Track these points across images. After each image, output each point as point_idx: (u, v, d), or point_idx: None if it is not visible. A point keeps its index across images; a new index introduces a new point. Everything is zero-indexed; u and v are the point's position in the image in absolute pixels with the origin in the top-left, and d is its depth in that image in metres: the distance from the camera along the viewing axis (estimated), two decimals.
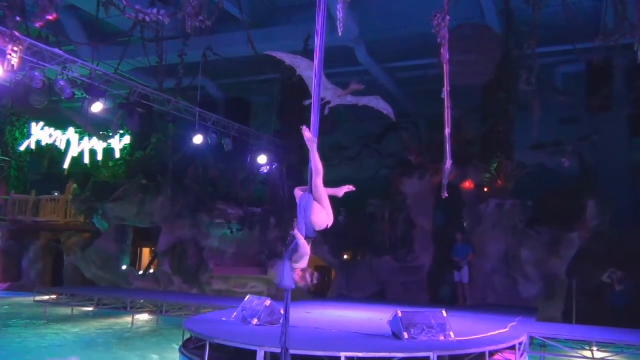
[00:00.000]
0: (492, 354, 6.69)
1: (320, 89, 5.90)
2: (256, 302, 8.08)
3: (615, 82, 14.52)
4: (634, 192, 14.44)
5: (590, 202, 12.66)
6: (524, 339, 7.65)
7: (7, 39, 9.08)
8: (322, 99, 7.54)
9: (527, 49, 13.42)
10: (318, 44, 5.60)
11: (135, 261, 18.58)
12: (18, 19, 9.63)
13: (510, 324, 8.25)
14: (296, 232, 5.06)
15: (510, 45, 14.11)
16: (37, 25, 10.20)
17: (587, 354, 8.17)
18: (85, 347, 8.94)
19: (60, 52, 10.96)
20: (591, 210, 12.64)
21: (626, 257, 11.86)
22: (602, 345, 8.26)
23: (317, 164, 5.20)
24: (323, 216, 5.14)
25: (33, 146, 19.87)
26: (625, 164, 14.94)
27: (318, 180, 5.18)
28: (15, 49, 9.24)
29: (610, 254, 12.15)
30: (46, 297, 13.61)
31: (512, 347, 7.13)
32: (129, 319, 11.74)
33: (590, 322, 10.21)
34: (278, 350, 5.99)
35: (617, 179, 14.09)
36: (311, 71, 8.93)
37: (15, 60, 9.27)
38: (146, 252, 19.48)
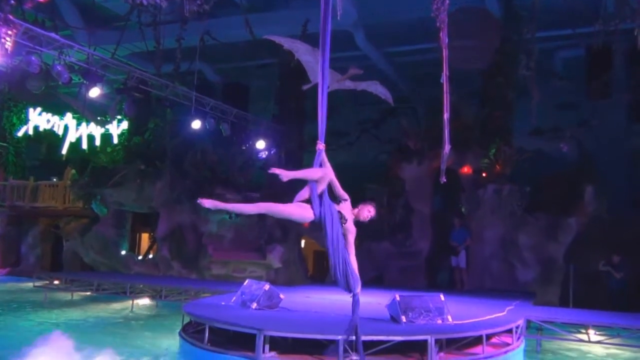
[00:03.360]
0: (489, 337, 6.75)
1: (327, 77, 5.95)
2: (255, 287, 8.12)
3: (614, 67, 14.47)
4: (632, 178, 14.46)
5: (588, 188, 12.69)
6: (521, 322, 7.72)
7: (1, 22, 9.01)
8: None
9: (527, 34, 13.36)
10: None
11: (134, 246, 18.62)
12: (13, 2, 9.56)
13: (508, 308, 8.32)
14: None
15: (509, 29, 14.03)
16: (27, 6, 10.13)
17: (584, 337, 8.24)
18: (85, 331, 8.99)
19: (57, 37, 10.89)
20: (589, 195, 12.68)
21: (623, 242, 11.92)
22: (598, 329, 8.34)
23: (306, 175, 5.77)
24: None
25: (31, 132, 19.81)
26: (624, 150, 14.95)
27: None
28: (10, 32, 9.18)
29: (607, 239, 12.20)
30: (45, 282, 13.66)
31: (509, 331, 7.19)
32: (128, 304, 11.80)
33: (586, 306, 10.29)
34: (277, 334, 6.05)
35: (615, 164, 14.11)
36: (310, 55, 8.92)
37: (9, 44, 9.21)
38: (145, 237, 19.51)
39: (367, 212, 5.98)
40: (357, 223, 6.00)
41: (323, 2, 5.85)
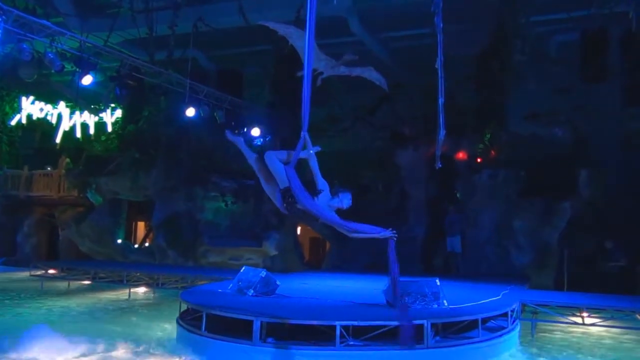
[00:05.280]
0: (484, 320, 6.80)
1: (311, 63, 5.94)
2: (252, 274, 8.16)
3: (609, 51, 14.44)
4: (626, 162, 14.49)
5: (582, 172, 12.74)
6: (516, 306, 7.78)
7: None
8: (315, 70, 7.49)
9: (522, 18, 13.29)
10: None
11: (130, 235, 18.61)
12: None
13: (503, 292, 8.38)
14: None
15: (505, 14, 13.95)
16: None
17: (578, 319, 8.32)
18: (82, 320, 9.00)
19: (49, 24, 10.78)
20: (583, 179, 12.73)
21: (617, 226, 12.00)
22: (592, 311, 8.42)
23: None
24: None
25: (24, 120, 19.67)
26: (618, 134, 14.97)
27: None
28: None
29: (601, 223, 12.28)
30: (42, 271, 13.66)
31: (505, 314, 7.25)
32: (125, 292, 11.82)
33: (581, 289, 10.37)
34: (274, 320, 6.09)
35: (609, 148, 14.13)
36: (304, 41, 8.83)
37: None
38: (141, 226, 19.51)
39: (348, 200, 6.04)
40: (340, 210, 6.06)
41: None
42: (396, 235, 5.99)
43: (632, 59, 13.73)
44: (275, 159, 5.76)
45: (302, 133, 5.79)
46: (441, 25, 7.70)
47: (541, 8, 13.44)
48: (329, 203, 5.94)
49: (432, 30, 7.97)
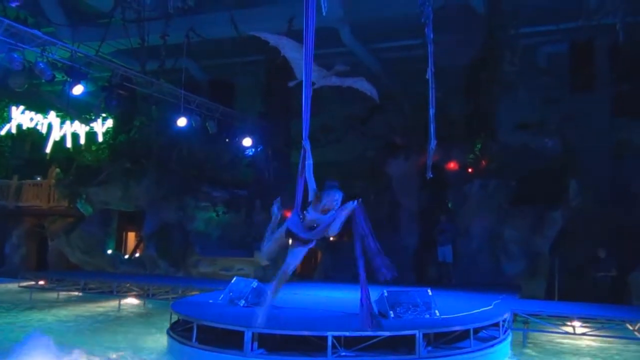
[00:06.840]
0: (476, 330, 6.81)
1: (310, 73, 5.97)
2: (243, 284, 8.13)
3: (598, 61, 14.62)
4: (616, 171, 14.62)
5: (572, 182, 12.83)
6: (508, 315, 7.80)
7: None
8: None
9: (511, 30, 13.44)
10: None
11: (120, 245, 18.47)
12: None
13: (494, 302, 8.39)
14: None
15: (494, 25, 14.10)
16: (14, 4, 10.01)
17: (569, 329, 8.35)
18: (72, 331, 8.92)
19: (39, 34, 10.76)
20: (573, 189, 12.82)
21: (607, 235, 12.07)
22: (583, 321, 8.45)
23: None
24: None
25: (14, 130, 19.53)
26: (607, 144, 15.11)
27: None
28: None
29: (592, 232, 12.35)
30: (31, 282, 13.52)
31: (496, 324, 7.26)
32: (115, 303, 11.73)
33: (571, 298, 10.41)
34: (265, 331, 6.06)
35: (599, 158, 14.26)
36: (296, 52, 8.87)
37: None
38: (131, 237, 19.37)
39: (336, 195, 5.91)
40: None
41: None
42: (361, 200, 5.83)
43: (620, 69, 13.90)
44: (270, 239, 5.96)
45: (303, 143, 5.78)
46: (432, 36, 7.79)
47: (530, 20, 13.59)
48: (321, 208, 5.88)
49: (423, 41, 8.05)
